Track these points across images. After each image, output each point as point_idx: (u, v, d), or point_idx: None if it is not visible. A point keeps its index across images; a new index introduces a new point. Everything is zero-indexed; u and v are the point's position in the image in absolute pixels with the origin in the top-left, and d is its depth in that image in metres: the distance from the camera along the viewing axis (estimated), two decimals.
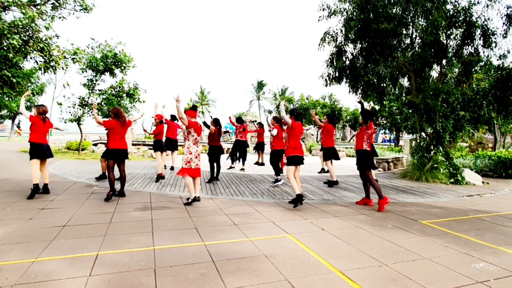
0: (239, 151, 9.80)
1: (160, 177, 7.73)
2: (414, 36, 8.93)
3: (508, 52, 8.16)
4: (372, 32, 8.29)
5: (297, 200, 5.24)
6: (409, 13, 8.34)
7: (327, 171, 9.07)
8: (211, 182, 7.57)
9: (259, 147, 11.53)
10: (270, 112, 46.06)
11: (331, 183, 7.50)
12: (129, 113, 16.46)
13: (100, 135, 22.01)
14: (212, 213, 4.79)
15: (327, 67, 9.74)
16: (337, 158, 7.74)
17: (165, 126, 8.62)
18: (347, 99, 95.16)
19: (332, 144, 7.77)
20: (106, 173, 6.34)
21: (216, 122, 7.84)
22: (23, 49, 9.36)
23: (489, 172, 9.96)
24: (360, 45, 9.05)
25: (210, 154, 7.72)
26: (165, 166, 8.89)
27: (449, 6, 8.27)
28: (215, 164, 7.77)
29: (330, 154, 7.66)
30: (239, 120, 10.08)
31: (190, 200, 5.33)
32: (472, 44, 8.29)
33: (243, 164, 9.87)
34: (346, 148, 18.60)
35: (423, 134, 9.33)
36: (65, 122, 14.42)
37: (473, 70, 8.29)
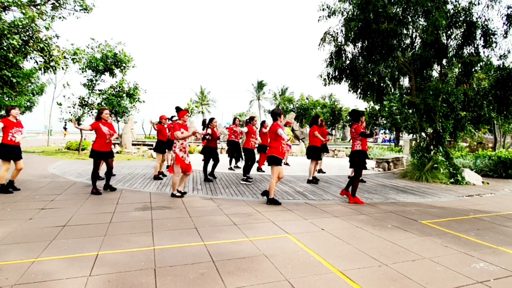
0: (235, 151, 10.22)
1: (161, 173, 8.09)
2: (414, 36, 8.91)
3: (509, 52, 8.15)
4: (372, 32, 8.28)
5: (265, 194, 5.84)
6: (409, 13, 8.32)
7: (319, 171, 9.40)
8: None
9: (261, 149, 11.55)
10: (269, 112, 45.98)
11: (309, 181, 7.80)
12: (129, 113, 16.46)
13: None
14: (212, 213, 4.80)
15: (327, 67, 9.73)
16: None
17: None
18: (347, 99, 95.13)
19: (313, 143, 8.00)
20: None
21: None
22: (23, 49, 9.36)
23: (489, 172, 9.95)
24: (360, 45, 9.03)
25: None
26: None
27: (449, 6, 8.25)
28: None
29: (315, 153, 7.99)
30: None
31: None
32: (472, 44, 8.28)
33: (236, 163, 10.51)
34: (346, 148, 18.39)
35: (423, 134, 9.33)
36: (65, 122, 14.46)
37: (474, 70, 8.28)
